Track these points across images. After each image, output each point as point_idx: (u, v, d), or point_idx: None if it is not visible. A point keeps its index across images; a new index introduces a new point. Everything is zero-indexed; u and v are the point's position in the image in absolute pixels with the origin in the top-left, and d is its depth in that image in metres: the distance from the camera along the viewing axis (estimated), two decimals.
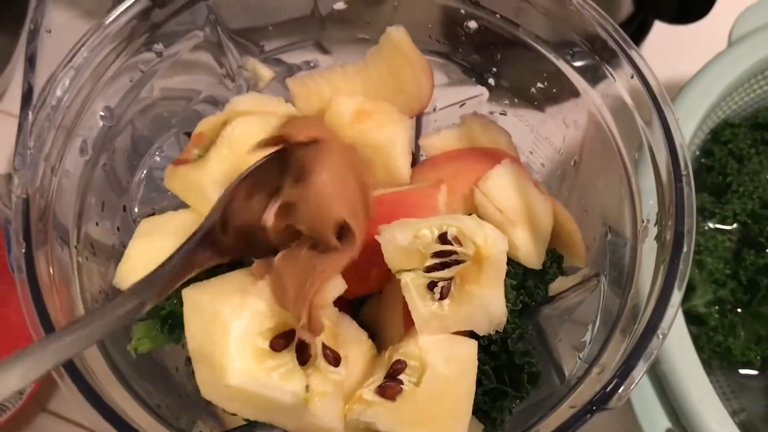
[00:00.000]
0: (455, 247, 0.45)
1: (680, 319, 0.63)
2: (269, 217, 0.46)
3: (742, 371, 0.71)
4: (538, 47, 0.53)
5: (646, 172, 0.47)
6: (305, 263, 0.43)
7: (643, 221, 0.46)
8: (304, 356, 0.43)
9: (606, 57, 0.50)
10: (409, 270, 0.45)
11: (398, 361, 0.46)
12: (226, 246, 0.46)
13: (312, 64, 0.61)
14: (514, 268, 0.52)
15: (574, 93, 0.53)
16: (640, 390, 0.63)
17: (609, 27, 0.49)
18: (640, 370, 0.39)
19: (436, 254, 0.45)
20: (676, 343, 0.62)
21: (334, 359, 0.44)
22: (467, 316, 0.45)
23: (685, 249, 0.42)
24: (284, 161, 0.46)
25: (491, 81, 0.59)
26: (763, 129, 0.79)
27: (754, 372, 0.72)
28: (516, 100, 0.59)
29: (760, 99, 0.81)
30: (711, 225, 0.76)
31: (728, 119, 0.80)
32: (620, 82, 0.49)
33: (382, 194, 0.52)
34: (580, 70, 0.52)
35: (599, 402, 0.38)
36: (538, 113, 0.58)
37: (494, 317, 0.46)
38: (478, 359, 0.48)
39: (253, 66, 0.59)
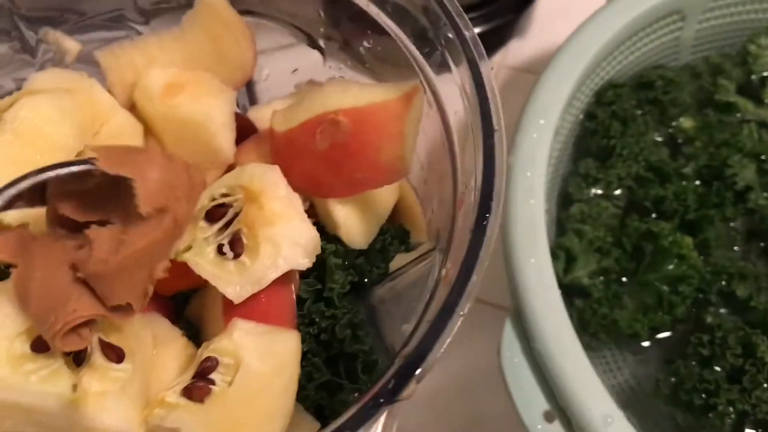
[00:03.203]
0: (221, 200, 0.42)
1: (555, 292, 0.59)
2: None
3: (631, 344, 0.67)
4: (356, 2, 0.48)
5: (463, 130, 0.42)
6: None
7: (461, 186, 0.42)
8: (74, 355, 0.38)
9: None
10: (189, 248, 0.41)
11: (208, 359, 0.41)
12: None
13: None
14: (342, 245, 0.48)
15: (400, 53, 0.48)
16: (517, 371, 0.59)
17: None
18: (433, 357, 0.34)
19: (211, 219, 0.42)
20: (550, 320, 0.58)
21: (117, 356, 0.39)
22: (274, 257, 0.41)
23: (491, 214, 0.37)
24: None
25: (322, 43, 0.54)
26: (647, 88, 0.75)
27: (646, 343, 0.68)
28: (350, 64, 0.53)
29: (646, 57, 0.77)
30: (595, 191, 0.72)
31: (612, 80, 0.76)
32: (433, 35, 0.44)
33: None
34: (399, 25, 0.46)
35: (387, 394, 0.33)
36: (373, 79, 0.53)
37: (306, 244, 0.42)
38: (310, 351, 0.45)
39: (55, 38, 0.53)
